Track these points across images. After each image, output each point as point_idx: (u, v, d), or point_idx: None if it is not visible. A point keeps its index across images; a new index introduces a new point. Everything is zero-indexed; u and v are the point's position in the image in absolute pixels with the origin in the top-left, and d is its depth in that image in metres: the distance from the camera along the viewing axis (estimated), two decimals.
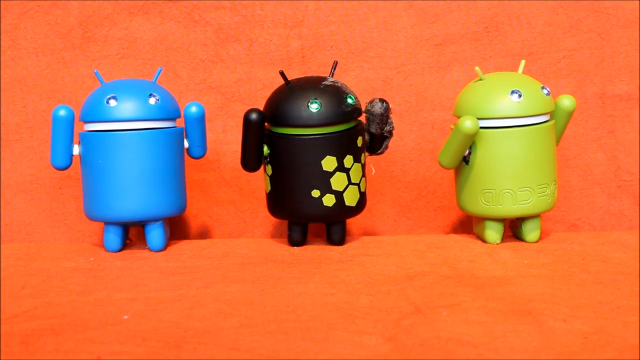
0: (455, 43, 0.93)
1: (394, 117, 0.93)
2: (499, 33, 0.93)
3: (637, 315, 0.62)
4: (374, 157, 0.88)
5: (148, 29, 0.94)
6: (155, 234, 0.83)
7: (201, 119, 0.85)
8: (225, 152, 0.94)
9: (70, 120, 0.82)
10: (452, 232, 0.93)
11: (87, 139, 0.82)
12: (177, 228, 0.93)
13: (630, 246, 0.81)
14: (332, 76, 0.84)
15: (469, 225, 0.92)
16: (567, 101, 0.83)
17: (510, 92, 0.80)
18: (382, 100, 0.82)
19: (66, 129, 0.82)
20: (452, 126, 0.83)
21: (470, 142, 0.80)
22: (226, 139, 0.93)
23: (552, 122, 0.82)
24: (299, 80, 0.82)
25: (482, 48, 0.93)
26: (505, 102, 0.80)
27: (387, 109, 0.82)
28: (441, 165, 0.83)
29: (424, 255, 0.80)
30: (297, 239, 0.84)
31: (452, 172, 0.91)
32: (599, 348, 0.57)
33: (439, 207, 0.93)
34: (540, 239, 0.84)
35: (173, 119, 0.84)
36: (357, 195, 0.82)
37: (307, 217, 0.82)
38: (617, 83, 0.93)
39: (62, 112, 0.82)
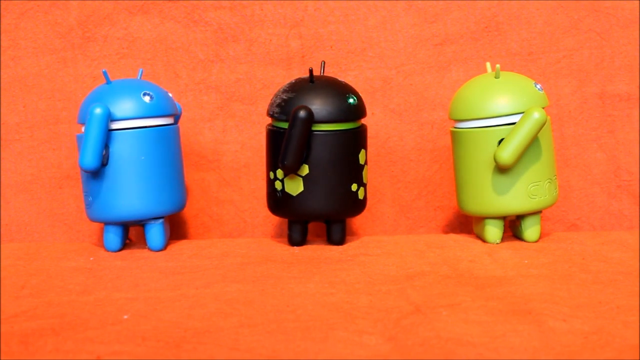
0: (455, 43, 0.93)
1: (393, 117, 0.93)
2: (499, 33, 0.93)
3: (637, 315, 0.62)
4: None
5: (148, 28, 0.94)
6: (155, 234, 0.83)
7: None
8: (225, 152, 0.94)
9: (107, 117, 0.79)
10: (452, 232, 0.93)
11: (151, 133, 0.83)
12: (177, 228, 0.93)
13: (630, 246, 0.81)
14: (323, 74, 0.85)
15: (468, 225, 0.92)
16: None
17: (534, 84, 0.82)
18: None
19: (101, 128, 0.79)
20: (463, 127, 0.84)
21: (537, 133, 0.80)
22: (226, 139, 0.93)
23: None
24: (315, 78, 0.83)
25: (482, 48, 0.93)
26: (535, 94, 0.81)
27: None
28: (506, 166, 0.79)
29: (424, 255, 0.80)
30: (297, 238, 0.84)
31: (452, 172, 0.91)
32: (599, 348, 0.57)
33: (439, 207, 0.93)
34: (540, 238, 0.84)
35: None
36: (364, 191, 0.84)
37: (345, 213, 0.83)
38: (617, 83, 0.93)
39: (98, 110, 0.79)
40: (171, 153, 0.83)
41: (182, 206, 0.85)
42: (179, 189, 0.84)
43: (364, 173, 0.83)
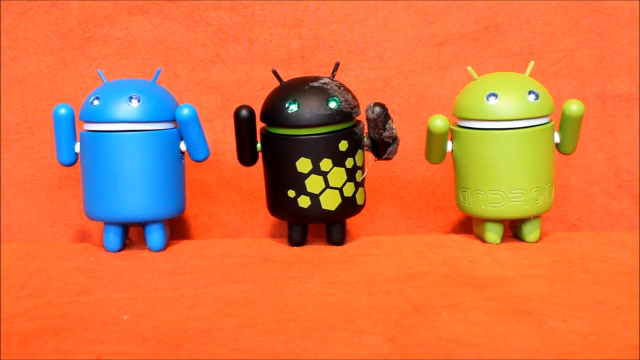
0: (455, 43, 0.93)
1: (393, 117, 0.93)
2: (499, 33, 0.93)
3: (637, 315, 0.62)
4: (382, 162, 0.87)
5: (148, 29, 0.94)
6: (155, 234, 0.83)
7: (192, 121, 0.83)
8: (225, 152, 0.94)
9: (70, 118, 0.83)
10: (452, 232, 0.93)
11: (86, 138, 0.82)
12: (177, 228, 0.93)
13: (630, 246, 0.81)
14: (334, 77, 0.83)
15: (469, 225, 0.92)
16: (574, 106, 0.81)
17: (487, 95, 0.80)
18: (377, 105, 0.81)
19: (67, 127, 0.83)
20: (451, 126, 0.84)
21: (442, 140, 0.81)
22: (226, 139, 0.93)
23: (537, 128, 0.80)
24: (292, 80, 0.83)
25: (482, 48, 0.93)
26: (481, 105, 0.80)
27: (380, 114, 0.80)
28: (428, 161, 0.85)
29: (424, 255, 0.80)
30: (297, 239, 0.84)
31: (452, 172, 0.91)
32: (599, 348, 0.57)
33: (439, 207, 0.93)
34: (540, 239, 0.84)
35: (170, 121, 0.83)
36: (338, 200, 0.82)
37: (285, 216, 0.83)
38: (617, 83, 0.93)
39: (62, 111, 0.83)
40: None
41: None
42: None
43: (307, 182, 0.81)
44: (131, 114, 0.81)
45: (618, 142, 0.93)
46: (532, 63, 0.83)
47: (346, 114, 0.81)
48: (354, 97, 0.83)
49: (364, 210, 0.88)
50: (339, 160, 0.81)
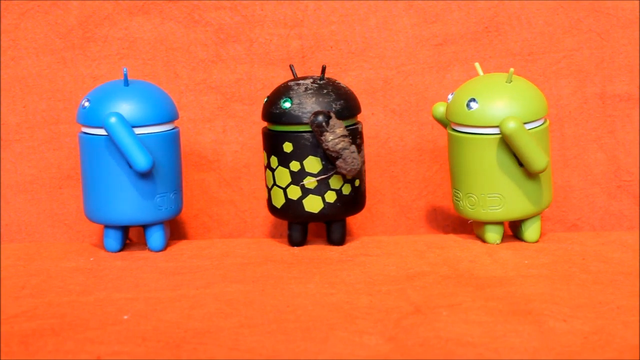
0: (455, 43, 0.93)
1: (393, 117, 0.93)
2: (499, 33, 0.93)
3: (637, 315, 0.62)
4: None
5: (148, 29, 0.94)
6: (156, 235, 0.83)
7: (110, 130, 0.79)
8: (225, 152, 0.94)
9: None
10: (452, 232, 0.93)
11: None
12: (177, 228, 0.93)
13: (630, 246, 0.81)
14: (322, 79, 0.83)
15: (469, 225, 0.92)
16: (509, 124, 0.77)
17: (449, 95, 0.83)
18: (317, 114, 0.78)
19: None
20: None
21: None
22: (226, 139, 0.94)
23: (465, 135, 0.80)
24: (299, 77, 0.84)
25: (482, 48, 0.93)
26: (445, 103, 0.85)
27: (312, 123, 0.78)
28: None
29: (424, 255, 0.80)
30: (297, 238, 0.84)
31: None
32: (599, 348, 0.57)
33: (439, 207, 0.93)
34: (540, 238, 0.84)
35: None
36: (282, 200, 0.82)
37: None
38: (617, 83, 0.93)
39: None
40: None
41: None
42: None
43: (266, 175, 0.83)
44: (80, 117, 0.82)
45: (618, 142, 0.93)
46: (511, 70, 0.81)
47: (294, 117, 0.81)
48: (318, 103, 0.80)
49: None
50: (283, 161, 0.82)
